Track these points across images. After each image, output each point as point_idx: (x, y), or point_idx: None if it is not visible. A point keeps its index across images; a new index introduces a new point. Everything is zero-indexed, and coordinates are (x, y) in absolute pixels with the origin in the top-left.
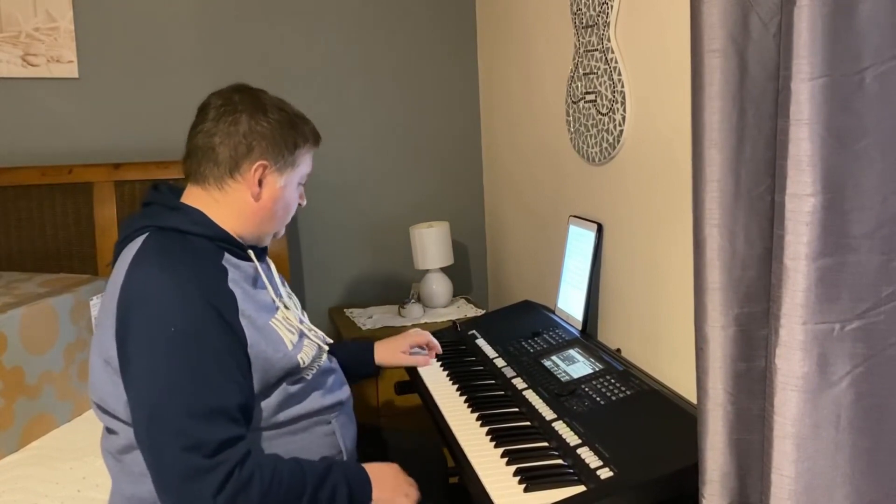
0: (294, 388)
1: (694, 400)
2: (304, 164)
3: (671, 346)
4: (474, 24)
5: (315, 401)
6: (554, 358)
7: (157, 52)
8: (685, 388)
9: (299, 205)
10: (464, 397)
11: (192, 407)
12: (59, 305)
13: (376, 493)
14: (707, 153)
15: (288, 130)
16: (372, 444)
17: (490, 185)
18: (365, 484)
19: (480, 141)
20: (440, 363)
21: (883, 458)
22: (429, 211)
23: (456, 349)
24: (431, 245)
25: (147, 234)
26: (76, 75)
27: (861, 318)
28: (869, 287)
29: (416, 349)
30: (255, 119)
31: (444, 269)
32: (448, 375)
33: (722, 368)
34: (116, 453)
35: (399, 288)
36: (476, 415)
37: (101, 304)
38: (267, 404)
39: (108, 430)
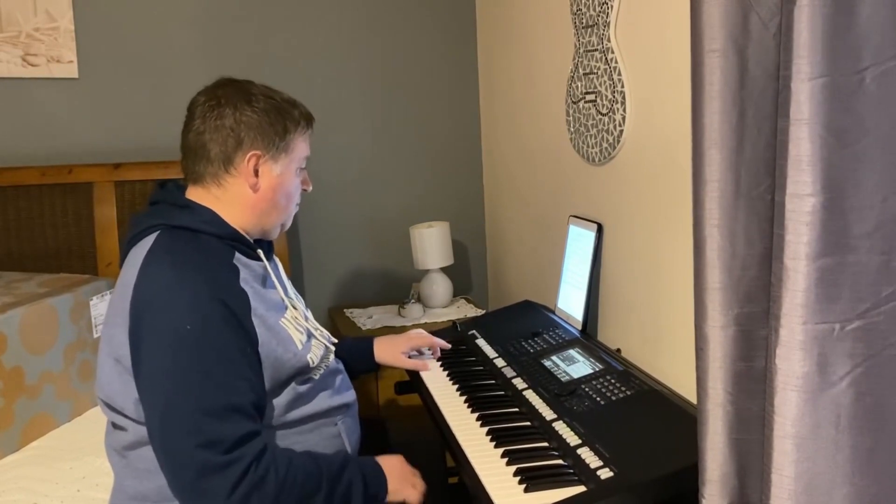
0: (303, 388)
1: (694, 400)
2: (300, 148)
3: (671, 346)
4: (474, 24)
5: (323, 401)
6: (554, 358)
7: (157, 52)
8: (685, 388)
9: (304, 190)
10: (464, 397)
11: (206, 405)
12: (59, 305)
13: (389, 486)
14: (707, 153)
15: (276, 117)
16: (375, 439)
17: (490, 185)
18: (380, 477)
19: (480, 141)
20: (440, 363)
21: (883, 458)
22: (429, 211)
23: (456, 349)
24: (431, 245)
25: (157, 232)
26: (76, 75)
27: (861, 318)
28: (869, 287)
29: (416, 352)
30: (239, 111)
31: (444, 269)
32: (448, 375)
33: (722, 368)
34: (122, 449)
35: (399, 288)
36: (476, 415)
37: (111, 303)
38: (277, 403)
39: (115, 426)
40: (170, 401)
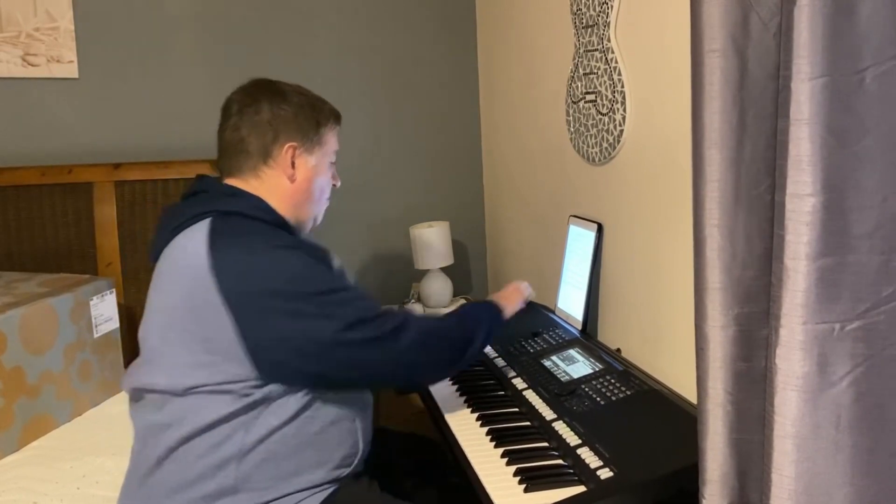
0: None
1: (694, 400)
2: (331, 142)
3: (671, 346)
4: (474, 24)
5: (349, 392)
6: (554, 358)
7: (157, 52)
8: (685, 388)
9: (334, 186)
10: (464, 397)
11: (363, 302)
12: (59, 305)
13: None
14: (707, 153)
15: (309, 112)
16: (375, 445)
17: (490, 185)
18: (499, 310)
19: (480, 141)
20: None
21: (883, 458)
22: (429, 211)
23: None
24: (431, 245)
25: (209, 218)
26: (76, 75)
27: (861, 318)
28: (869, 287)
29: None
30: (276, 105)
31: (444, 269)
32: None
33: (722, 368)
34: (175, 445)
35: (399, 288)
36: (476, 415)
37: (172, 285)
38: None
39: (161, 417)
40: (345, 316)
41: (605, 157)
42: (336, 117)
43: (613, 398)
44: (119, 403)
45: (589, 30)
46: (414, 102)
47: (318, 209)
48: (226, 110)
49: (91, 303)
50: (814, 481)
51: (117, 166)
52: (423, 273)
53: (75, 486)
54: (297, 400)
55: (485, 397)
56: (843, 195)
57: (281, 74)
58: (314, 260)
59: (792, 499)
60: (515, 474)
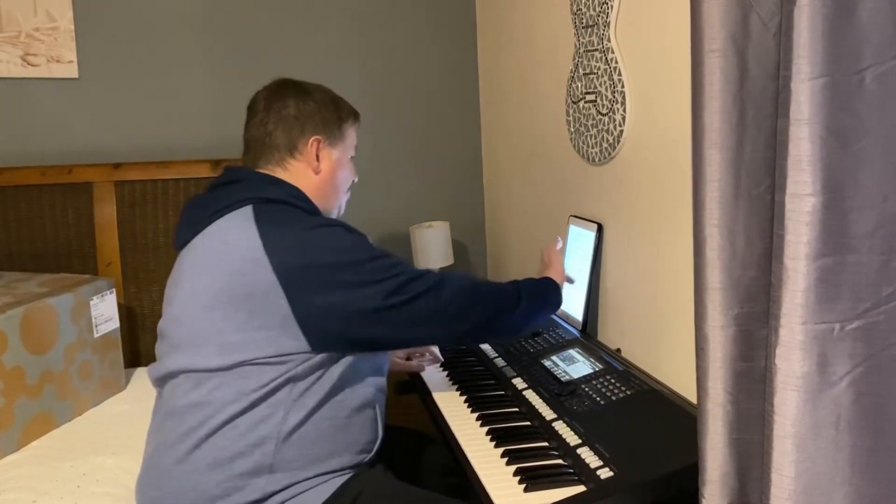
0: (364, 357)
1: (694, 400)
2: (351, 137)
3: (671, 346)
4: (474, 24)
5: (372, 383)
6: (554, 358)
7: (157, 52)
8: (685, 388)
9: (353, 181)
10: (464, 397)
11: (405, 265)
12: (59, 305)
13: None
14: (707, 153)
15: (332, 107)
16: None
17: (490, 185)
18: (553, 286)
19: (480, 141)
20: (440, 364)
21: (883, 458)
22: (429, 211)
23: (456, 349)
24: (431, 245)
25: (250, 205)
26: (76, 75)
27: (861, 318)
28: (869, 287)
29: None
30: (301, 101)
31: (444, 269)
32: (448, 376)
33: (722, 368)
34: (216, 427)
35: None
36: (476, 415)
37: (216, 268)
38: (345, 364)
39: (200, 395)
40: (392, 279)
41: (605, 157)
42: (355, 115)
43: (613, 398)
44: (119, 403)
45: (589, 30)
46: (414, 102)
47: (341, 200)
48: (252, 108)
49: (91, 303)
50: (814, 481)
51: (117, 166)
52: None
53: (75, 485)
54: (328, 383)
55: (485, 397)
56: (843, 195)
57: (281, 75)
58: (354, 233)
59: (792, 499)
60: (515, 474)
